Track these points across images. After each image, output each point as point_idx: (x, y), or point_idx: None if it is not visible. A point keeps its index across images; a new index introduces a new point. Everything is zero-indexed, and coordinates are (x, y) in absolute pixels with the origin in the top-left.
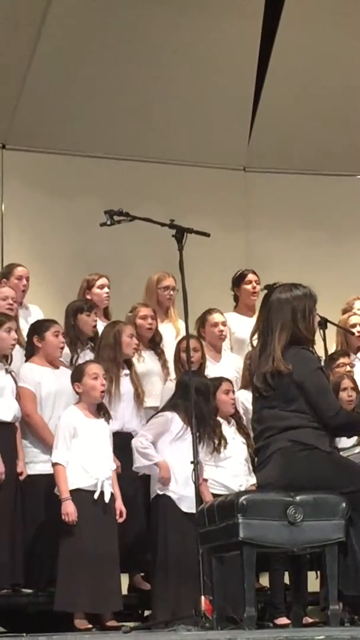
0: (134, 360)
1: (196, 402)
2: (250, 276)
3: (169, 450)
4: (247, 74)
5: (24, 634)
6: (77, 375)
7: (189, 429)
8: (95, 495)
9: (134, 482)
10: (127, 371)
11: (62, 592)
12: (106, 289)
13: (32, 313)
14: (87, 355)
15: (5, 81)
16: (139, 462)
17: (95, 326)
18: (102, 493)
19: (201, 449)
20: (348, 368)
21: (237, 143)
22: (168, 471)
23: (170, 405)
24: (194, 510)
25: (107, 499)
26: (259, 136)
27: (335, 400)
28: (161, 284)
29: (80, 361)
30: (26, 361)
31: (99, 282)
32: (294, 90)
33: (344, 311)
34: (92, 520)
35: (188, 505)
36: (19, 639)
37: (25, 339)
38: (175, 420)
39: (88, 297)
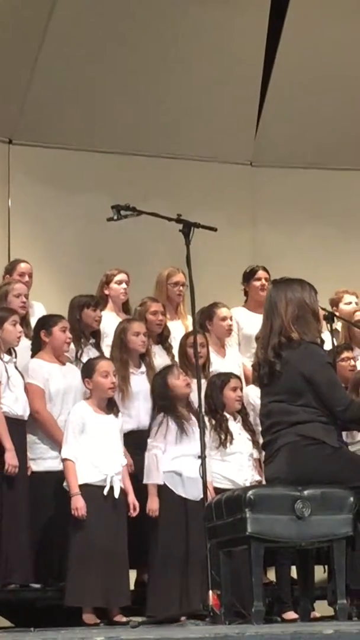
0: None
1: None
2: (261, 273)
3: (172, 449)
4: (254, 68)
5: (32, 629)
6: (88, 372)
7: (184, 426)
8: (105, 491)
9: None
10: (143, 369)
11: (72, 587)
12: (124, 285)
13: (36, 311)
14: (90, 350)
15: (12, 76)
16: (151, 479)
17: (99, 322)
18: (111, 488)
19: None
20: (352, 362)
21: (244, 138)
22: (154, 500)
23: (160, 406)
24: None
25: (116, 494)
26: (266, 131)
27: (345, 395)
28: (171, 280)
29: (84, 357)
30: (32, 356)
31: (117, 278)
32: (301, 84)
33: (332, 302)
34: (101, 515)
35: (193, 491)
36: (27, 633)
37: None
38: (170, 420)
39: (106, 292)
